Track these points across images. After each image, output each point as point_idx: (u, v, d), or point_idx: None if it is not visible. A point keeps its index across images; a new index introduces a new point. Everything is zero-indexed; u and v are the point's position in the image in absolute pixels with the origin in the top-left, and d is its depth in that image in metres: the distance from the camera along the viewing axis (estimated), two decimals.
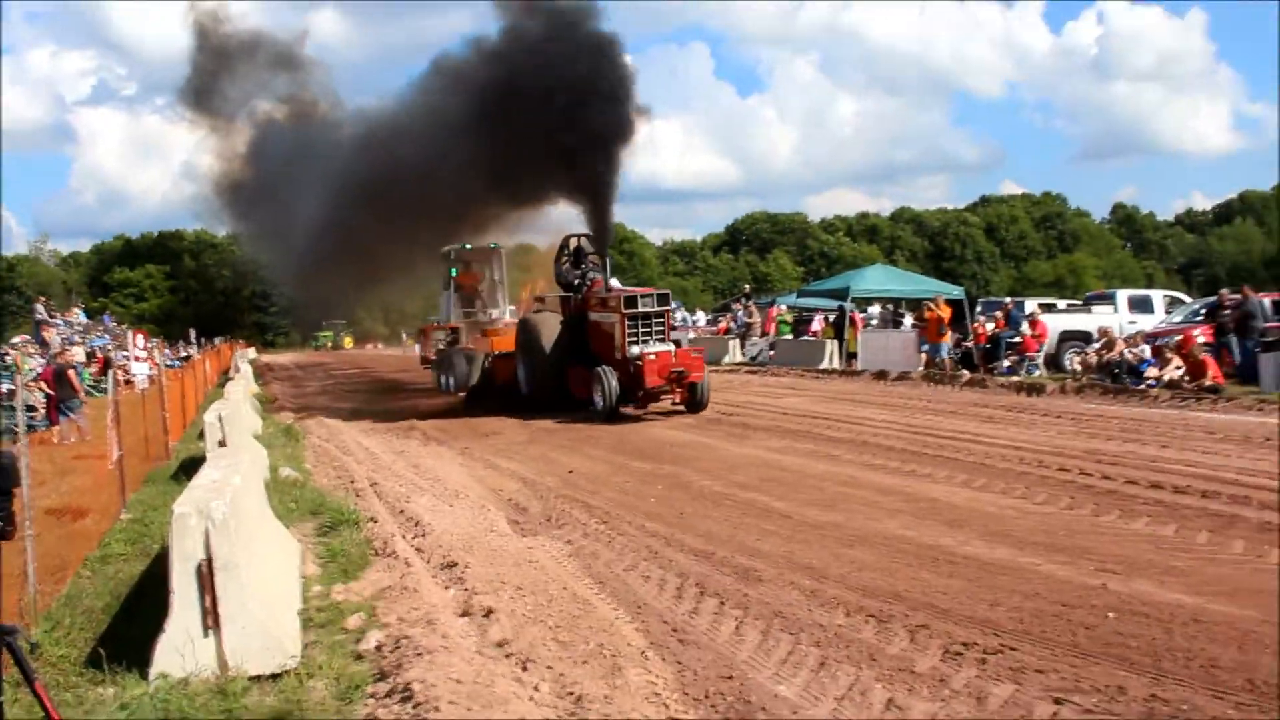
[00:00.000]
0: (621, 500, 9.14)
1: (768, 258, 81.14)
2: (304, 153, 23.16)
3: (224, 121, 25.84)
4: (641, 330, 15.84)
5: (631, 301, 15.91)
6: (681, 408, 15.98)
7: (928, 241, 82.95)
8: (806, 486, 9.25)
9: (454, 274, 24.36)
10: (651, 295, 16.30)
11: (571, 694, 4.52)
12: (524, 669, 4.83)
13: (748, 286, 51.72)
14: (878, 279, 26.46)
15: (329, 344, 60.95)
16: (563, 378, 16.82)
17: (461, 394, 20.41)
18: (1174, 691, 4.37)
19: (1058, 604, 5.52)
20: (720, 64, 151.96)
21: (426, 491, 9.96)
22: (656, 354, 15.53)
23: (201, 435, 12.21)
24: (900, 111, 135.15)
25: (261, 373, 33.93)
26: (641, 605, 5.92)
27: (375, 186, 19.27)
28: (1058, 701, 4.31)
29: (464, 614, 5.74)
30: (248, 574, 4.98)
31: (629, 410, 15.94)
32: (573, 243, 18.18)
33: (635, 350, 15.54)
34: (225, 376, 28.71)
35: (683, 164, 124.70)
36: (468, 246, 24.16)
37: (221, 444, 9.97)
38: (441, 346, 24.24)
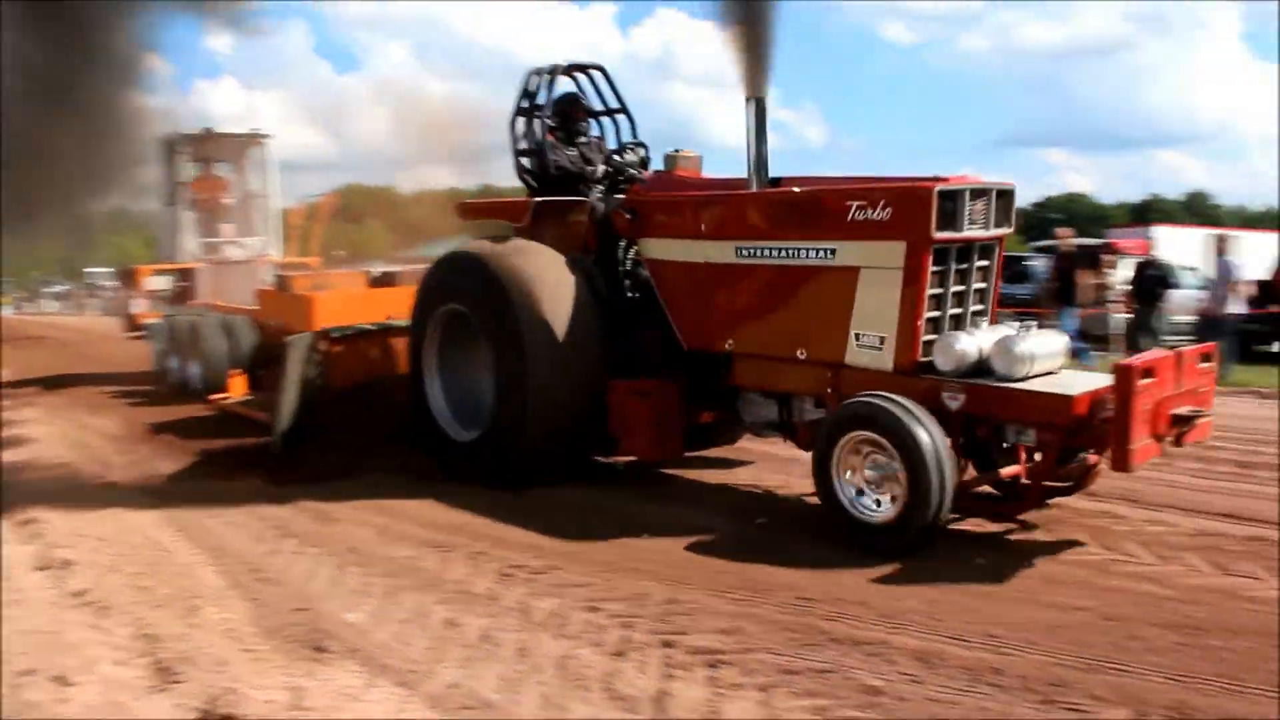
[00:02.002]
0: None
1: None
2: None
3: None
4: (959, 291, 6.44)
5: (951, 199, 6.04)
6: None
7: None
8: None
9: (186, 179, 16.88)
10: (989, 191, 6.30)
11: (148, 635, 4.80)
12: (101, 615, 5.06)
13: None
14: None
15: None
16: (599, 408, 7.49)
17: (223, 399, 11.18)
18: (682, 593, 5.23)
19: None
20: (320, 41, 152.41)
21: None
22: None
23: None
24: (486, 97, 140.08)
25: None
26: (222, 549, 6.25)
27: None
28: (592, 609, 5.06)
29: (42, 568, 5.85)
30: None
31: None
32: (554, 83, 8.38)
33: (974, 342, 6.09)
34: None
35: (282, 137, 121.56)
36: (213, 131, 17.18)
37: None
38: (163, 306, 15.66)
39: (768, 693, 4.09)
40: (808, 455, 6.40)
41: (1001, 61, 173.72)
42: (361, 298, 11.08)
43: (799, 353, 6.64)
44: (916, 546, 5.70)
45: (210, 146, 17.52)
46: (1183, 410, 5.56)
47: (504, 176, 8.89)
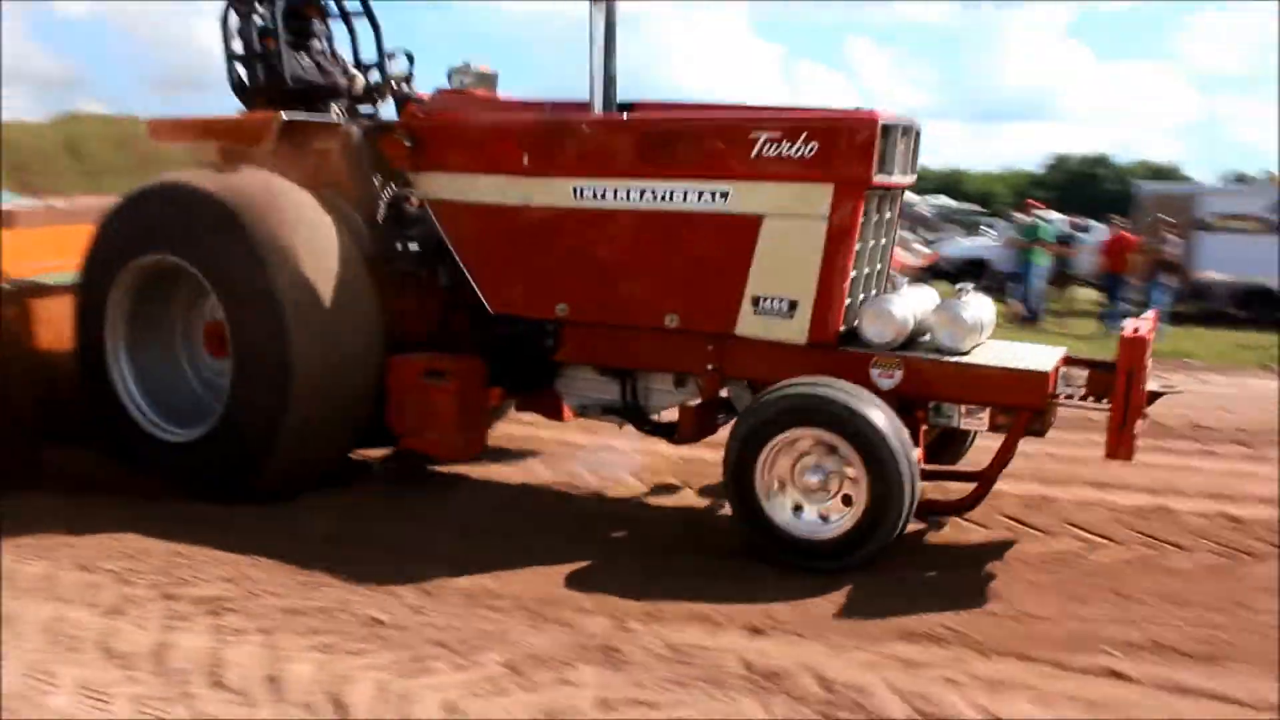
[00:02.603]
0: None
1: None
2: None
3: None
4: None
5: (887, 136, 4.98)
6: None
7: None
8: None
9: None
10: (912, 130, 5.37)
11: None
12: None
13: None
14: None
15: None
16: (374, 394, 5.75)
17: None
18: None
19: None
20: None
21: None
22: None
23: None
24: None
25: None
26: None
27: None
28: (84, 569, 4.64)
29: None
30: None
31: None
32: None
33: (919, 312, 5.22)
34: None
35: None
36: None
37: None
38: None
39: (271, 635, 4.03)
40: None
41: None
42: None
43: (667, 320, 5.30)
44: (870, 559, 4.64)
45: None
46: (1153, 386, 4.91)
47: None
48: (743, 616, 4.21)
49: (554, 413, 6.14)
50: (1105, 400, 4.85)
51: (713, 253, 5.17)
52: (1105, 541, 5.27)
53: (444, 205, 5.80)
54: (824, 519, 4.72)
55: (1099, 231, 19.94)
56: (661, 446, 6.12)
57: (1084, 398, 5.02)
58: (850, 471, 4.62)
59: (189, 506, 5.51)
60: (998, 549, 5.12)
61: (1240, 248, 21.05)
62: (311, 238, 5.54)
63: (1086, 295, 19.12)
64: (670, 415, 5.67)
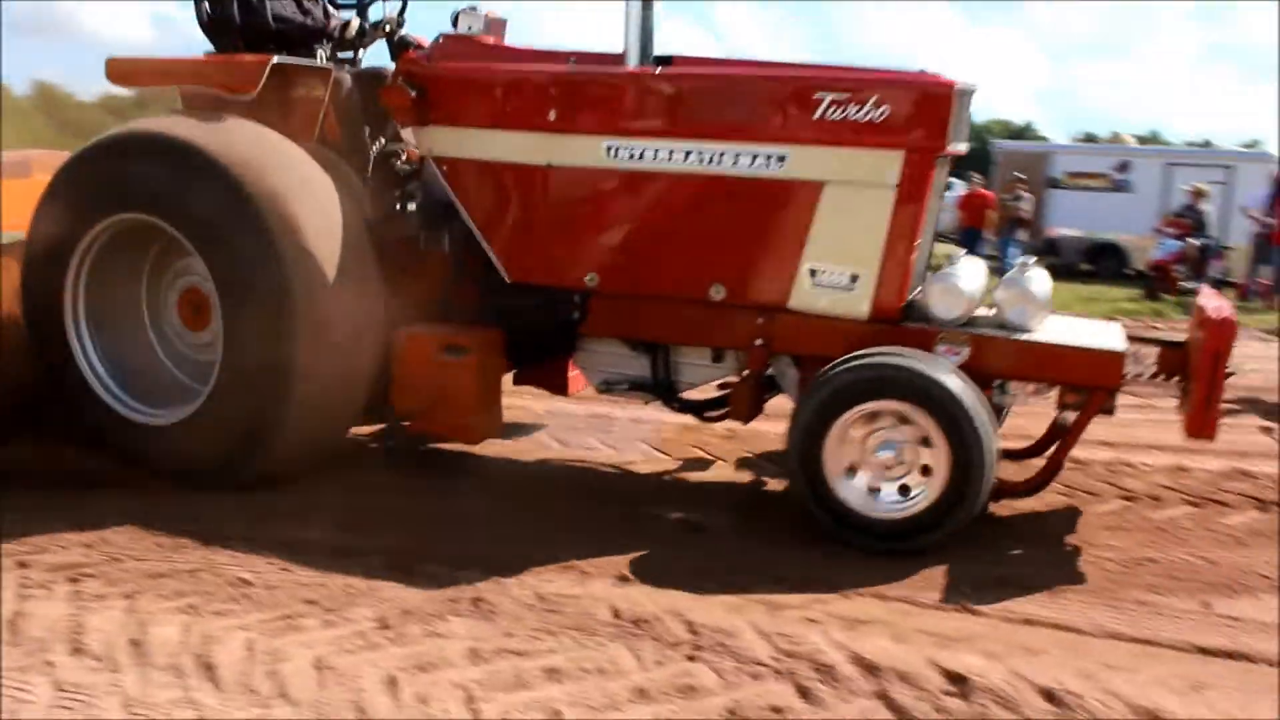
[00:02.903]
0: None
1: None
2: None
3: None
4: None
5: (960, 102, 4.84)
6: None
7: None
8: None
9: None
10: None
11: None
12: None
13: None
14: None
15: None
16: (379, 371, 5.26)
17: None
18: None
19: None
20: None
21: None
22: None
23: None
24: None
25: None
26: None
27: None
28: None
29: None
30: None
31: None
32: None
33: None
34: None
35: None
36: None
37: None
38: None
39: (133, 599, 3.95)
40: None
41: None
42: None
43: (712, 292, 4.95)
44: (946, 540, 4.45)
45: None
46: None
47: None
48: (612, 567, 4.32)
49: (558, 386, 5.74)
50: (1175, 379, 4.75)
51: (766, 221, 4.84)
52: None
53: (454, 164, 5.27)
54: (901, 496, 4.51)
55: (957, 187, 20.32)
56: (665, 416, 5.95)
57: (1154, 376, 4.89)
58: (926, 450, 4.42)
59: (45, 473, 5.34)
60: None
61: (1089, 205, 21.82)
62: (314, 198, 4.99)
63: (943, 249, 19.33)
64: (698, 392, 5.38)
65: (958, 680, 3.40)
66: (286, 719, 3.19)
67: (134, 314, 5.55)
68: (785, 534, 4.74)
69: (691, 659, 3.55)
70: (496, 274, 5.29)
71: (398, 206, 5.52)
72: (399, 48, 5.51)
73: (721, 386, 5.38)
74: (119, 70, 5.59)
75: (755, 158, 4.80)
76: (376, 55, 6.01)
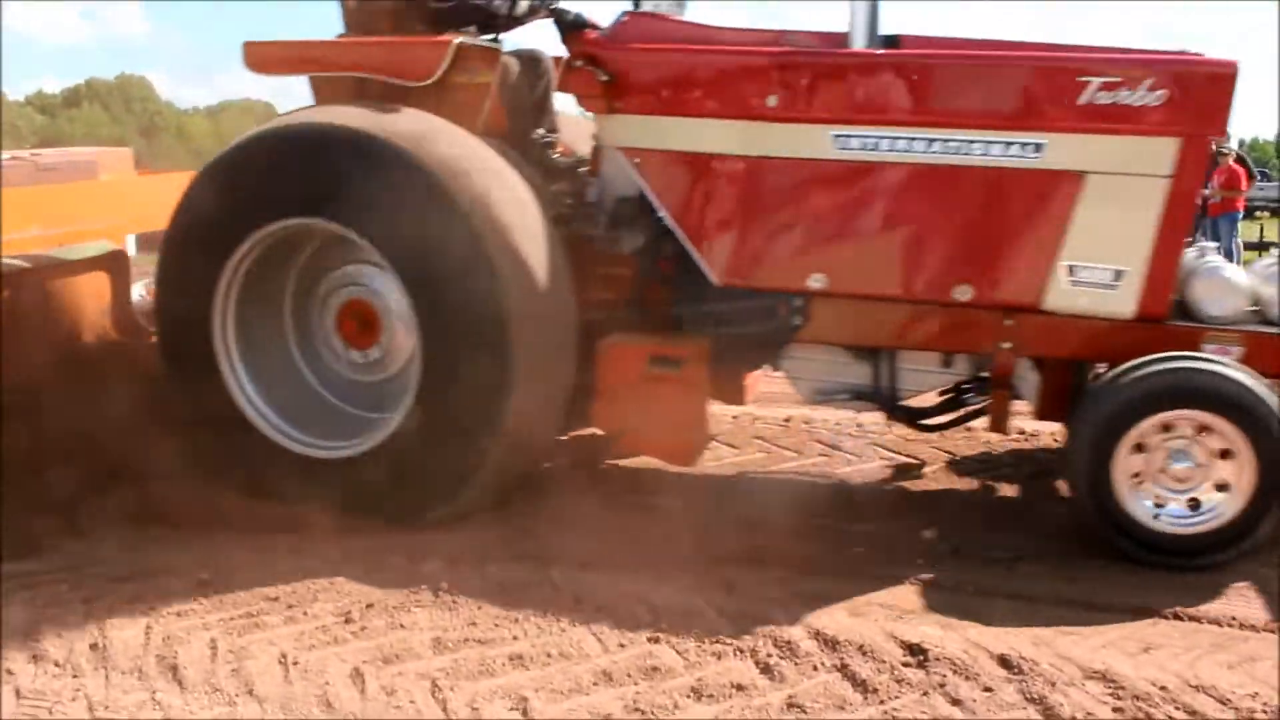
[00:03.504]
0: None
1: None
2: None
3: None
4: None
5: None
6: None
7: None
8: None
9: None
10: None
11: None
12: None
13: None
14: None
15: None
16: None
17: None
18: None
19: None
20: None
21: None
22: None
23: None
24: None
25: None
26: None
27: None
28: None
29: None
30: None
31: None
32: None
33: None
34: None
35: None
36: None
37: None
38: None
39: (92, 604, 3.90)
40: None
41: None
42: None
43: (956, 292, 4.57)
44: (1246, 554, 4.18)
45: None
46: None
47: None
48: (572, 555, 4.28)
49: (734, 395, 5.30)
50: None
51: (1019, 214, 4.46)
52: None
53: (650, 156, 4.75)
54: (1194, 509, 4.20)
55: None
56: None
57: None
58: (1224, 462, 4.12)
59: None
60: None
61: None
62: (515, 201, 4.48)
63: None
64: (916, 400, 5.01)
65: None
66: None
67: (279, 332, 4.92)
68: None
69: (651, 639, 3.63)
70: (695, 276, 4.82)
71: (571, 203, 4.99)
72: (573, 27, 4.96)
73: (942, 393, 5.03)
74: (258, 56, 4.91)
75: (1008, 146, 4.41)
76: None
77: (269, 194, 4.52)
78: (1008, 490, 5.31)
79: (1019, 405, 4.81)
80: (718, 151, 4.66)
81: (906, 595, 3.99)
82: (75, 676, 3.46)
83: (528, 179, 4.69)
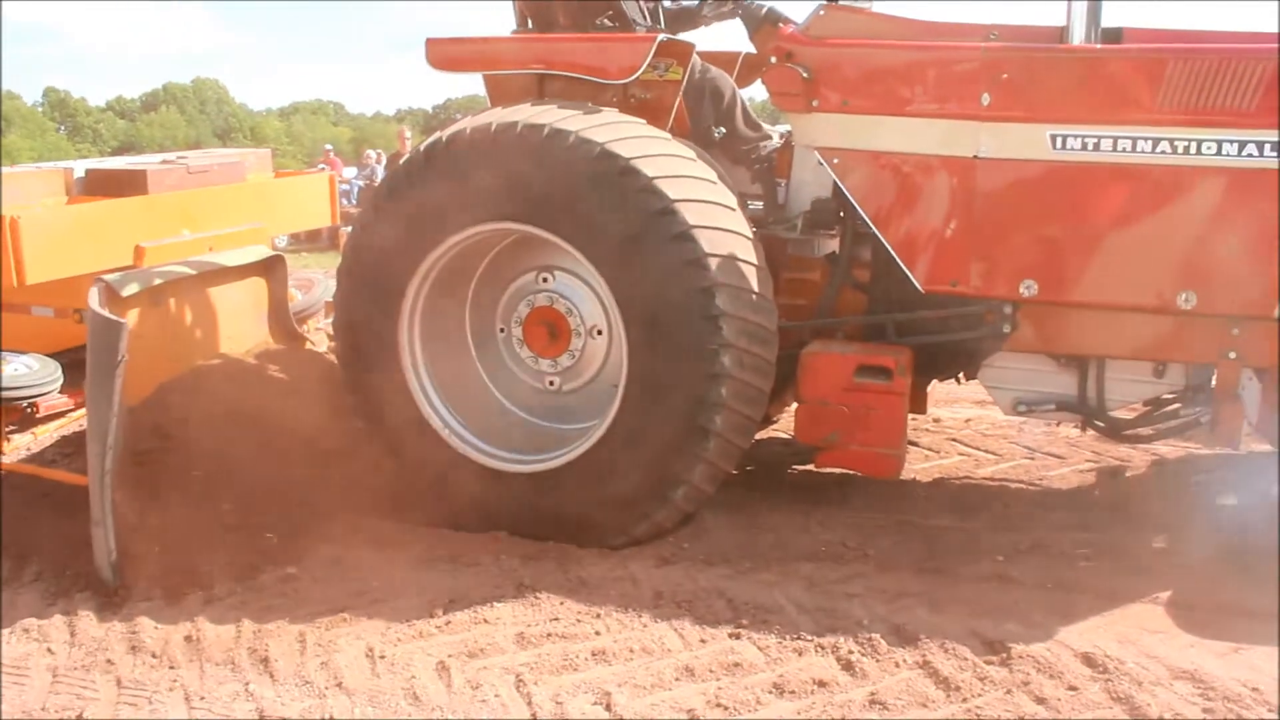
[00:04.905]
0: None
1: None
2: None
3: None
4: None
5: None
6: None
7: None
8: None
9: None
10: None
11: None
12: None
13: None
14: None
15: None
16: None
17: None
18: None
19: None
20: None
21: None
22: None
23: None
24: None
25: None
26: None
27: None
28: None
29: None
30: None
31: None
32: None
33: None
34: None
35: None
36: None
37: None
38: None
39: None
40: None
41: None
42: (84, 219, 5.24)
43: (1180, 299, 4.35)
44: None
45: None
46: None
47: None
48: (651, 549, 4.33)
49: (920, 404, 5.11)
50: None
51: (1253, 218, 4.22)
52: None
53: (849, 156, 4.55)
54: None
55: None
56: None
57: None
58: None
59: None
60: None
61: None
62: (724, 206, 4.30)
63: None
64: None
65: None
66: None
67: (458, 343, 4.75)
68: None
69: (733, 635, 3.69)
70: (895, 282, 4.62)
71: (763, 207, 4.80)
72: (765, 22, 4.76)
73: (1147, 403, 4.80)
74: (442, 55, 4.74)
75: (1244, 146, 4.17)
76: None
77: (463, 196, 4.33)
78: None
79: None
80: (925, 152, 4.46)
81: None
82: (171, 668, 3.57)
83: (729, 185, 4.49)
